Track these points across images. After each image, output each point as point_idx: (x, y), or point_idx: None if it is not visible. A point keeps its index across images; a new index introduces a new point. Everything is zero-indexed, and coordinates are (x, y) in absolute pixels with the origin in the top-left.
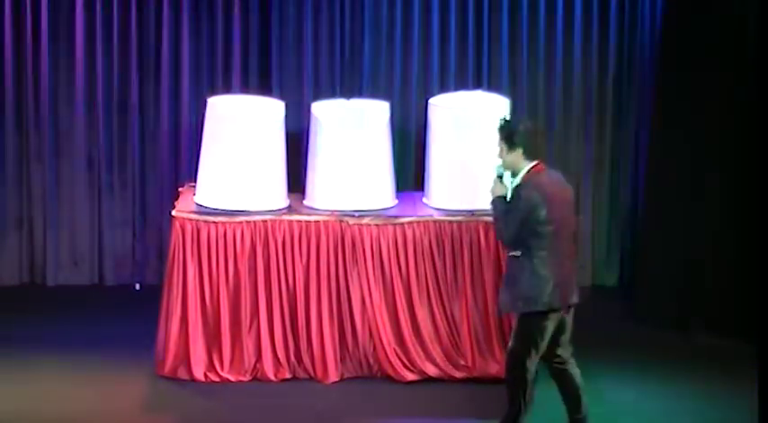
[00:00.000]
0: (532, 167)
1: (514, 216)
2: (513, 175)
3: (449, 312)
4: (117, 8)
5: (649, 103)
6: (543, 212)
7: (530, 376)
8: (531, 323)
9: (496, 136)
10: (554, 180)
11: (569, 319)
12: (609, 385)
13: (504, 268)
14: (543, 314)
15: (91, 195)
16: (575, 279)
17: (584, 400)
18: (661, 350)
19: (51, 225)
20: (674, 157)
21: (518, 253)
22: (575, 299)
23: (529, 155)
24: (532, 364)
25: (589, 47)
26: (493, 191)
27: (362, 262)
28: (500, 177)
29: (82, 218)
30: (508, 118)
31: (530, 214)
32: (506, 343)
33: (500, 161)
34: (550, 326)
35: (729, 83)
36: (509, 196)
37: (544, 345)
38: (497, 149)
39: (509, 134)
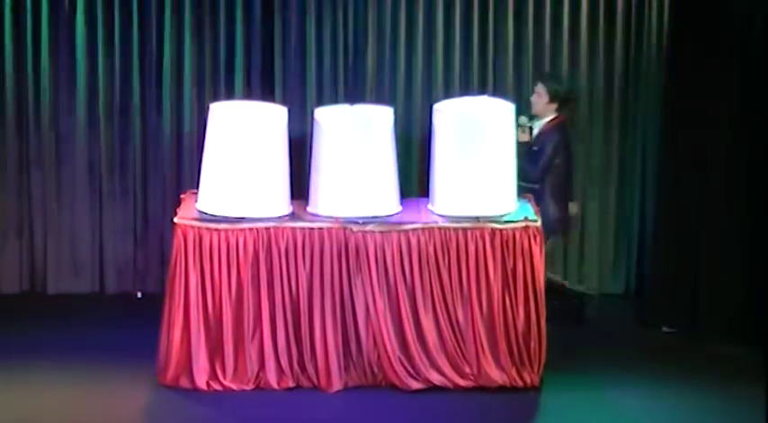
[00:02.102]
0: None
1: None
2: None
3: (454, 320)
4: (118, 12)
5: (657, 105)
6: None
7: None
8: None
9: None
10: None
11: None
12: (618, 392)
13: (509, 274)
14: None
15: (92, 202)
16: None
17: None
18: (669, 357)
19: (52, 232)
20: (683, 159)
21: None
22: None
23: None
24: None
25: (595, 48)
26: None
27: (366, 269)
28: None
29: (83, 225)
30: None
31: None
32: (512, 351)
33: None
34: None
35: (737, 84)
36: None
37: None
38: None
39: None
